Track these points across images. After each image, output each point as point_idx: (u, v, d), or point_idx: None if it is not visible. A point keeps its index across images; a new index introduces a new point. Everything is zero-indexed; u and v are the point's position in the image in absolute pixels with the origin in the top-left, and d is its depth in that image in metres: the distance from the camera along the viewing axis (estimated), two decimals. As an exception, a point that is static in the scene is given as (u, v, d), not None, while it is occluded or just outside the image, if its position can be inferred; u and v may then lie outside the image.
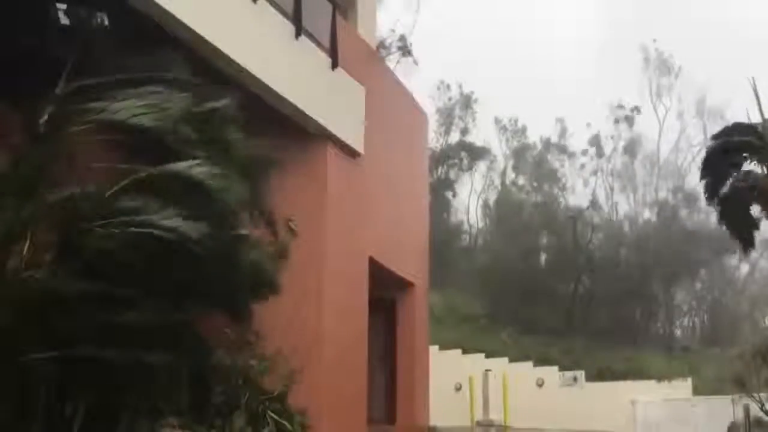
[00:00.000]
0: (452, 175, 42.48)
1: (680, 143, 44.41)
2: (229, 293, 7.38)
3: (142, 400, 7.09)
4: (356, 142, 12.70)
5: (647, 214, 43.37)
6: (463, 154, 42.38)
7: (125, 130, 6.41)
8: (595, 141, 42.00)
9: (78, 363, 6.11)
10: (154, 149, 6.71)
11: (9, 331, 5.84)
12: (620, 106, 41.92)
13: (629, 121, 42.46)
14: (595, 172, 42.09)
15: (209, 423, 8.47)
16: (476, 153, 42.77)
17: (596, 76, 50.35)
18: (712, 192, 14.23)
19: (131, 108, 6.40)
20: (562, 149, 42.72)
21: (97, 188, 6.31)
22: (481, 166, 44.05)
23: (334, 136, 12.09)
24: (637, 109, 42.35)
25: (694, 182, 36.95)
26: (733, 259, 37.32)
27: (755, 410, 12.95)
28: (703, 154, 15.21)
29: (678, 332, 41.05)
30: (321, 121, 11.69)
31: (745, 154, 13.81)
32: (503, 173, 44.23)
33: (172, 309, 6.41)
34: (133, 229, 6.09)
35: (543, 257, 39.50)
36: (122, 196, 6.31)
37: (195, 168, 6.58)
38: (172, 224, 6.18)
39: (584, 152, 42.21)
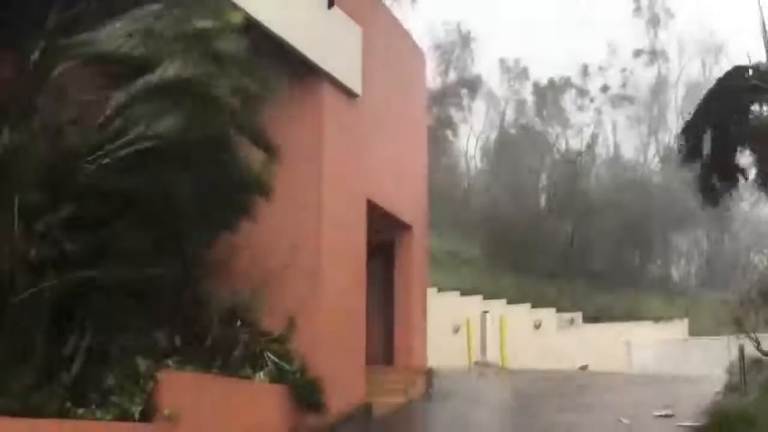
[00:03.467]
0: (451, 113, 42.16)
1: (685, 86, 44.04)
2: (220, 198, 7.27)
3: (138, 338, 7.11)
4: (354, 82, 12.50)
5: (649, 157, 43.24)
6: (463, 91, 42.00)
7: (113, 60, 6.27)
8: (598, 83, 41.59)
9: (74, 292, 6.12)
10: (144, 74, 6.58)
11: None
12: (624, 48, 41.44)
13: (633, 63, 42.03)
14: (597, 115, 41.75)
15: (207, 362, 8.48)
16: (474, 85, 42.44)
17: (599, 18, 49.55)
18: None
19: (118, 36, 6.25)
20: (563, 91, 42.23)
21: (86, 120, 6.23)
22: (481, 106, 43.70)
23: (331, 76, 11.89)
24: (643, 51, 41.88)
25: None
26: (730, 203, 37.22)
27: (751, 350, 13.03)
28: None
29: (675, 275, 41.28)
30: (317, 60, 11.47)
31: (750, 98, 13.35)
32: (503, 114, 43.90)
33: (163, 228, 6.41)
34: (123, 152, 6.02)
35: (542, 199, 39.45)
36: (112, 122, 6.23)
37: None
38: (163, 128, 6.12)
39: (586, 94, 41.76)
